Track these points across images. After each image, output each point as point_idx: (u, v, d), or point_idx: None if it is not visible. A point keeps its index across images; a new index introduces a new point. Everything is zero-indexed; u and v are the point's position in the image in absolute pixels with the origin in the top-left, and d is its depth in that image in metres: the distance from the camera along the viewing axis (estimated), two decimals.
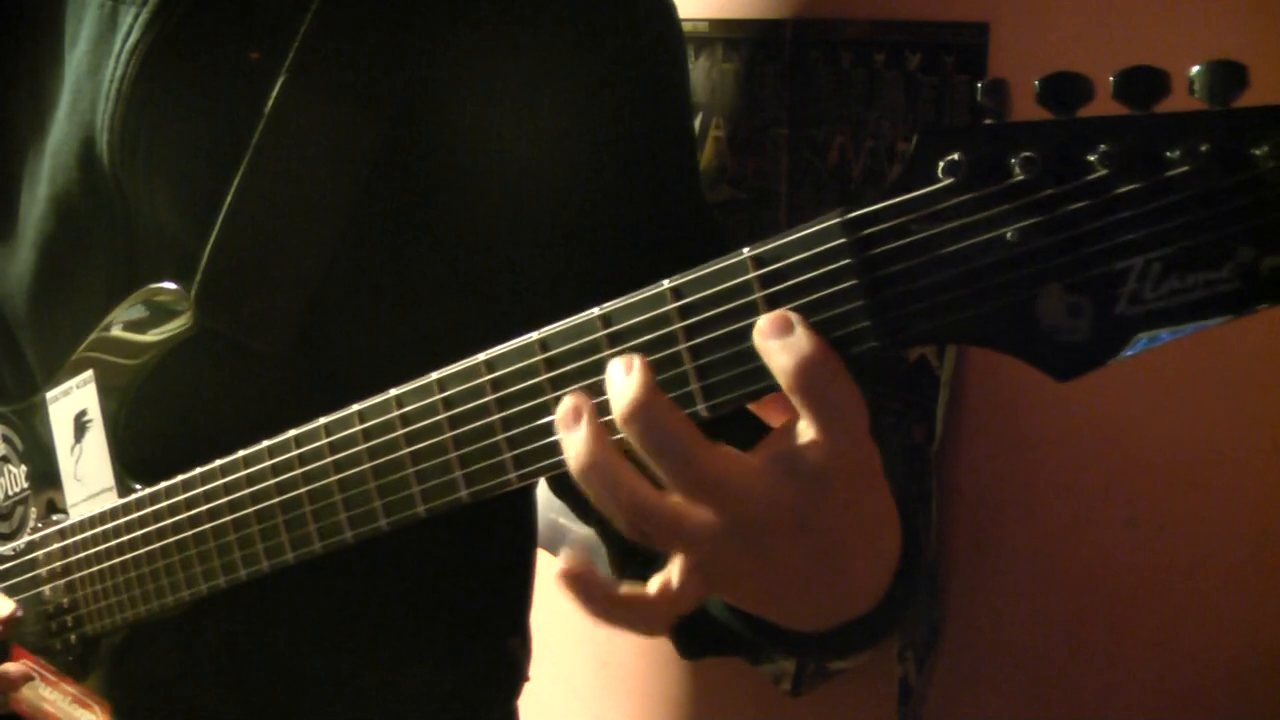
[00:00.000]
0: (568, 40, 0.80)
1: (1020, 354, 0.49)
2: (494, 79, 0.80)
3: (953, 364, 1.15)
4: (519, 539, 1.08)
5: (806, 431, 0.53)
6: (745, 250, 0.54)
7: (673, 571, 0.57)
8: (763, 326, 0.53)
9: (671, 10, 0.87)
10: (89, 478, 0.87)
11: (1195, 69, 0.46)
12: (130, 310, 0.84)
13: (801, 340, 0.52)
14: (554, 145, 0.81)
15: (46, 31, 0.89)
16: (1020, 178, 0.48)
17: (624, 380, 0.54)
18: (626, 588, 0.57)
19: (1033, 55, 1.03)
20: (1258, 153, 0.44)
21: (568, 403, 0.56)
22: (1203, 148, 0.45)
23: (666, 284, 0.56)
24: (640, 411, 0.53)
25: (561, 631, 1.54)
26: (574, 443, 0.55)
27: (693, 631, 0.76)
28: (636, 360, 0.54)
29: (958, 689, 1.21)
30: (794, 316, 0.52)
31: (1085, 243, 0.47)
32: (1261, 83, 0.47)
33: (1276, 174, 0.43)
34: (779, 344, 0.52)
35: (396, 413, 0.66)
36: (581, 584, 0.56)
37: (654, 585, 0.57)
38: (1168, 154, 0.45)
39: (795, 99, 1.14)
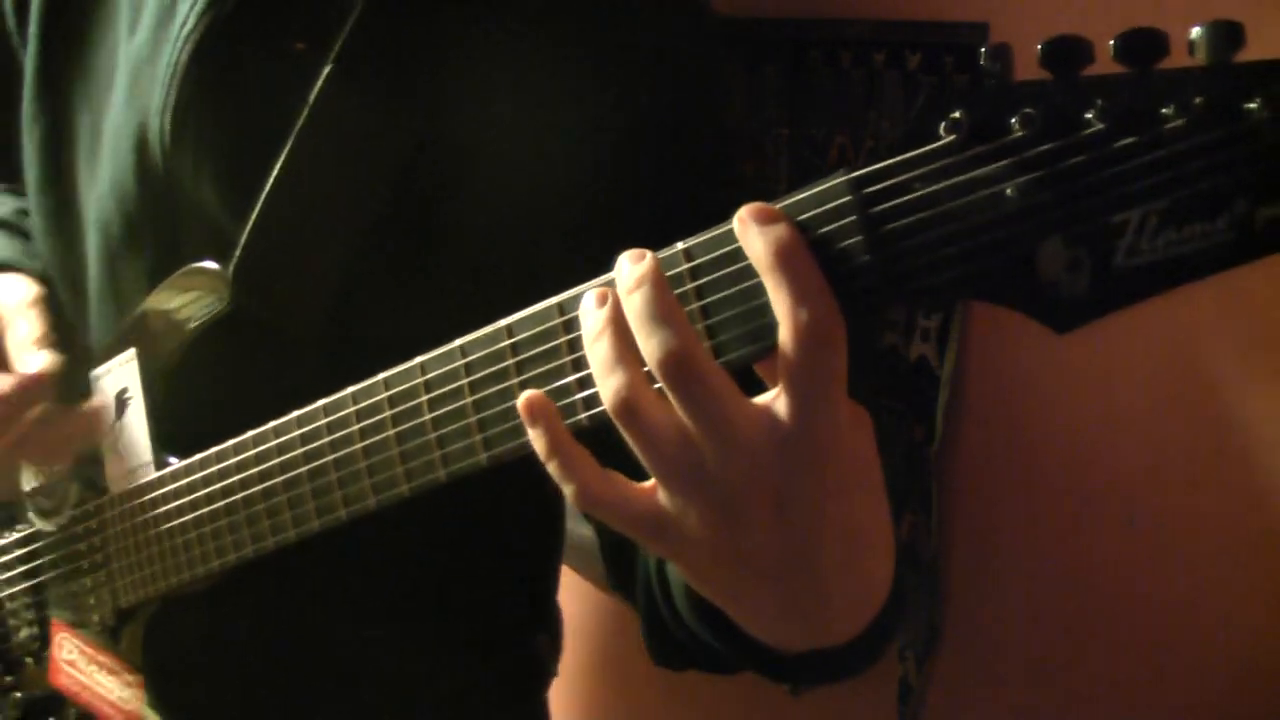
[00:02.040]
0: (603, 43, 0.82)
1: (1021, 307, 0.49)
2: (528, 78, 0.81)
3: (953, 364, 1.15)
4: (549, 538, 1.08)
5: (787, 347, 0.52)
6: None
7: (648, 488, 0.57)
8: (743, 214, 0.53)
9: (702, 18, 0.88)
10: (128, 454, 0.89)
11: (1195, 30, 0.47)
12: (169, 289, 0.86)
13: (782, 226, 0.53)
14: (584, 145, 0.82)
15: (103, 11, 0.93)
16: (1019, 134, 0.49)
17: (634, 264, 0.56)
18: (586, 454, 0.58)
19: (1033, 55, 1.03)
20: (1251, 105, 0.45)
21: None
22: (1197, 101, 0.45)
23: (680, 246, 0.57)
24: (647, 280, 0.55)
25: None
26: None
27: (666, 639, 0.76)
28: (647, 252, 0.56)
29: (958, 689, 1.21)
30: (780, 211, 0.53)
31: (1083, 196, 0.47)
32: (1258, 43, 0.48)
33: (1269, 126, 0.44)
34: (758, 229, 0.53)
35: (420, 379, 0.67)
36: (546, 413, 0.58)
37: (617, 476, 0.58)
38: (1163, 109, 0.46)
39: (795, 99, 1.15)
